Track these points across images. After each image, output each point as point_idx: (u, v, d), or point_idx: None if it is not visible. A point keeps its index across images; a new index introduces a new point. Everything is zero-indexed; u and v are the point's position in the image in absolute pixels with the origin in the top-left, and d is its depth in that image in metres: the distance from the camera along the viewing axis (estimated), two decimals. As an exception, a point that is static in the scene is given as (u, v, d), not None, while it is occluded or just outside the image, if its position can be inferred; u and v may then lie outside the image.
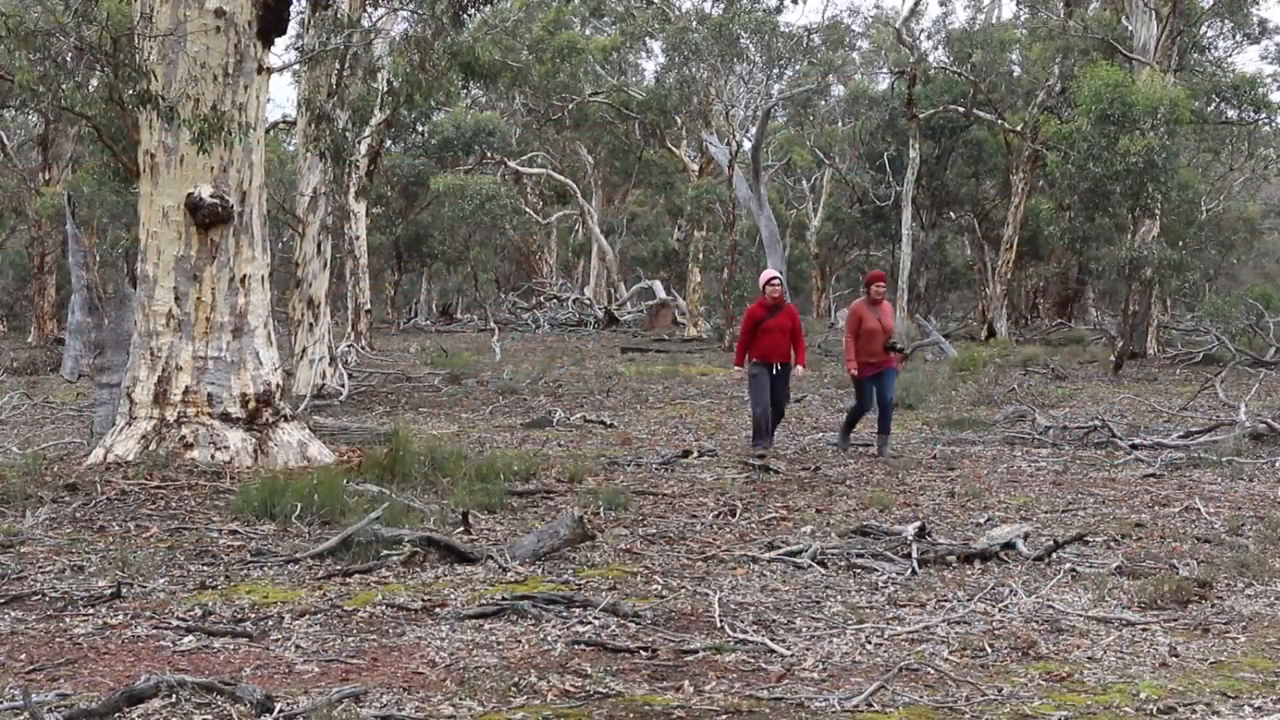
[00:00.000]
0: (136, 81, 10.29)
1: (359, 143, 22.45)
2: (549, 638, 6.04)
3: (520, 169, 43.09)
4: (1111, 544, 8.32)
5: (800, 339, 12.67)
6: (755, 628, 6.27)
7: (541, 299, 46.23)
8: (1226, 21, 34.69)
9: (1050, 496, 10.17)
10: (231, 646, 5.90)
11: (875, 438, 12.79)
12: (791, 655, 5.81)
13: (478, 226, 40.14)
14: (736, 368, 13.11)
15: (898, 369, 12.90)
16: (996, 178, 37.64)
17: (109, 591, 6.74)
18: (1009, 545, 7.89)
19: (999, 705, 5.13)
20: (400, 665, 5.64)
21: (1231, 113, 32.51)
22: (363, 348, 27.57)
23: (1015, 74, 36.54)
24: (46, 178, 34.09)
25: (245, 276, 11.01)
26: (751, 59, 34.92)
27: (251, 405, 10.88)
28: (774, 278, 12.81)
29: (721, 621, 6.32)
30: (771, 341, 12.48)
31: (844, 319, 12.89)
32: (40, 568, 7.34)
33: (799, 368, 12.79)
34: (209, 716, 4.83)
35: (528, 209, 44.38)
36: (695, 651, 5.84)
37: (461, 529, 8.44)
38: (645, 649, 5.86)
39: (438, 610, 6.52)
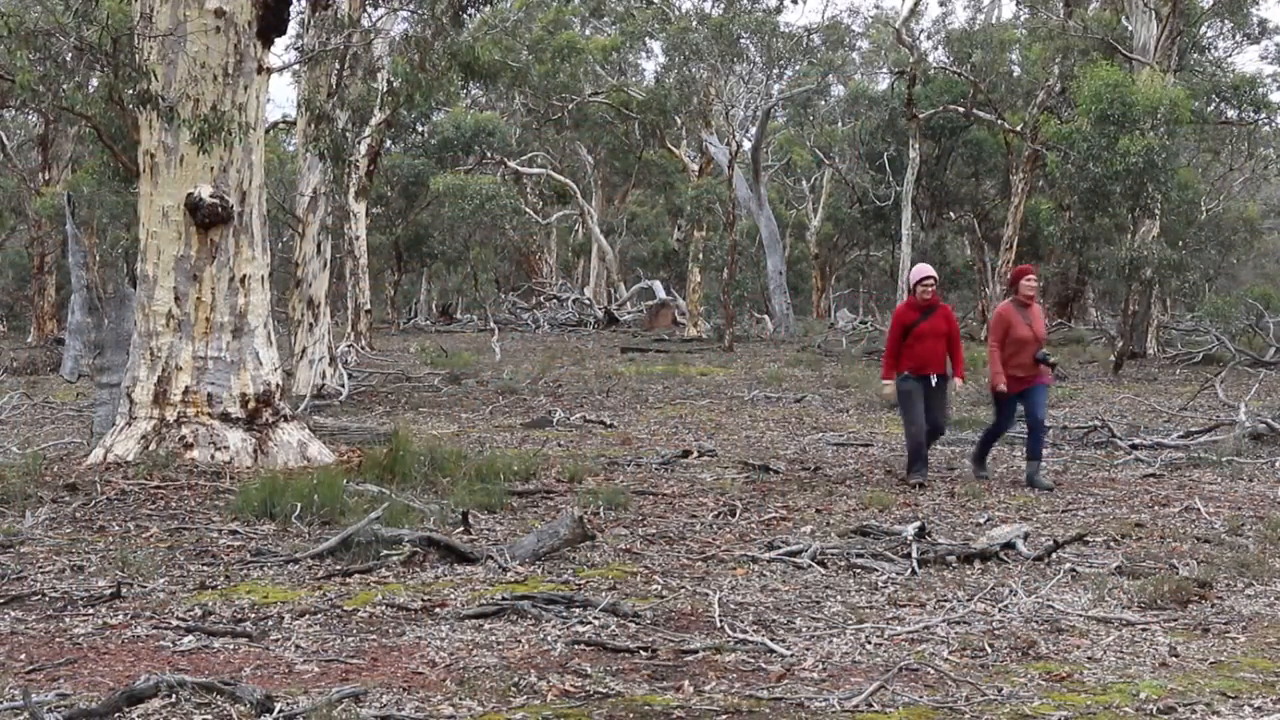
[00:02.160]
0: (136, 81, 10.29)
1: (359, 143, 22.48)
2: (549, 638, 6.04)
3: (520, 169, 43.10)
4: (1111, 544, 8.32)
5: (958, 346, 11.14)
6: (755, 628, 6.27)
7: (541, 299, 46.22)
8: (1226, 21, 34.72)
9: (1050, 496, 10.17)
10: (231, 646, 5.90)
11: (1027, 463, 10.96)
12: (791, 655, 5.81)
13: (478, 226, 40.13)
14: (885, 382, 11.30)
15: (1048, 383, 11.23)
16: (996, 178, 37.63)
17: (109, 591, 6.74)
18: (1009, 545, 7.89)
19: (999, 705, 5.13)
20: (400, 665, 5.64)
21: (1231, 113, 32.53)
22: (363, 348, 27.58)
23: (1015, 74, 36.52)
24: (46, 178, 34.12)
25: (245, 276, 11.01)
26: (751, 59, 34.94)
27: (251, 405, 10.89)
28: (927, 276, 11.03)
29: (721, 621, 6.31)
30: (925, 349, 10.85)
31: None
32: (40, 568, 7.34)
33: (957, 381, 11.25)
34: (209, 716, 4.83)
35: (528, 209, 44.38)
36: (695, 651, 5.84)
37: (461, 529, 8.44)
38: (645, 649, 5.86)
39: (438, 610, 6.52)
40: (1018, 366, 10.92)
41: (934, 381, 10.89)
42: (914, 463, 10.86)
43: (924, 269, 11.19)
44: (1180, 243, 26.62)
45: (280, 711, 4.84)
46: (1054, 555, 7.78)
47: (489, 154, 40.55)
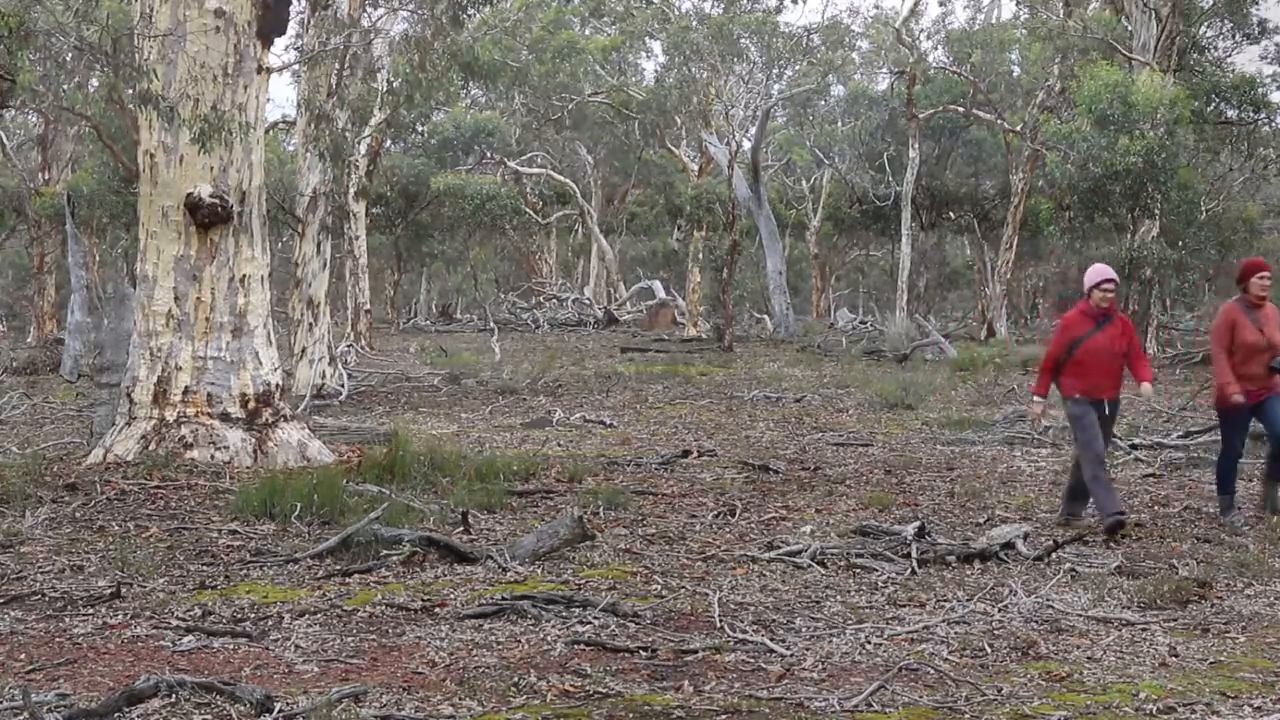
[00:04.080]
0: (136, 81, 10.30)
1: (359, 143, 22.49)
2: (549, 638, 6.03)
3: (520, 169, 43.09)
4: (1111, 544, 8.33)
5: (1139, 353, 9.25)
6: (755, 628, 6.26)
7: (541, 299, 46.22)
8: (1226, 21, 34.67)
9: (1050, 496, 10.16)
10: (231, 646, 5.90)
11: (1265, 485, 9.51)
12: (791, 655, 5.81)
13: (478, 226, 40.15)
14: (1036, 397, 9.29)
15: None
16: (996, 178, 37.66)
17: (109, 591, 6.74)
18: (1009, 545, 7.90)
19: (999, 705, 5.13)
20: (400, 665, 5.64)
21: (1231, 113, 32.48)
22: (362, 348, 27.57)
23: (1015, 74, 36.56)
24: (46, 178, 34.11)
25: (245, 276, 11.01)
26: (751, 59, 34.93)
27: (251, 405, 10.88)
28: (1107, 280, 9.03)
29: (721, 621, 6.31)
30: (1100, 368, 8.96)
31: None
32: (40, 568, 7.34)
33: (1146, 386, 9.10)
34: (209, 716, 4.83)
35: (528, 209, 44.39)
36: (695, 651, 5.84)
37: (461, 529, 8.44)
38: (645, 649, 5.86)
39: (437, 610, 6.52)
40: (1246, 378, 9.18)
41: (1107, 409, 9.05)
42: (1107, 505, 8.70)
43: (1105, 270, 9.17)
44: (1180, 243, 26.60)
45: (280, 711, 4.84)
46: (1054, 555, 7.78)
47: (489, 154, 40.59)
